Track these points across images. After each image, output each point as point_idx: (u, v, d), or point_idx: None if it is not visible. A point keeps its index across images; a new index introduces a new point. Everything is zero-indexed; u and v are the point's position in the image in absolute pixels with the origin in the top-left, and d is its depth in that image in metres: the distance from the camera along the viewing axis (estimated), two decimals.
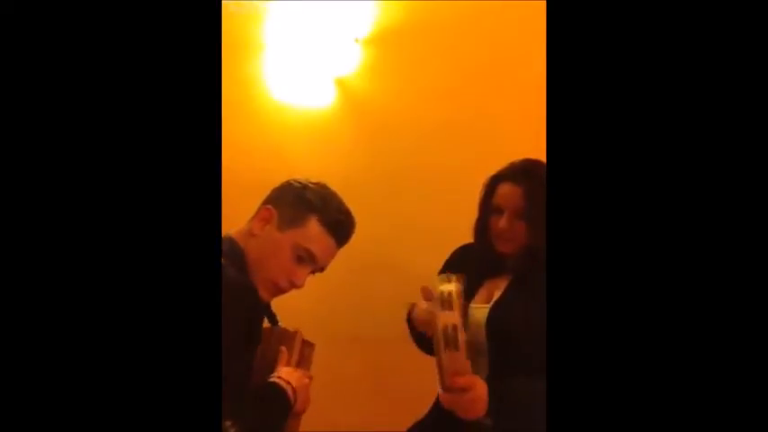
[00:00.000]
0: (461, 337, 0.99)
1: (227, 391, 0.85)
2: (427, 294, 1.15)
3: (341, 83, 1.88)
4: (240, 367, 1.02)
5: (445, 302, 1.00)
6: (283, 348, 1.13)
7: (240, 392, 0.99)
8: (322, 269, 1.19)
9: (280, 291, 1.14)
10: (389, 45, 1.85)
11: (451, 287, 1.02)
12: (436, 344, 1.00)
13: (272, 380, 1.08)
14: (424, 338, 1.24)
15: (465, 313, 1.05)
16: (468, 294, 1.23)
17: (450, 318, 0.99)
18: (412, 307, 1.27)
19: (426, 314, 1.15)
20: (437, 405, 1.26)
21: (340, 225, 1.16)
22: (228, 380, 0.86)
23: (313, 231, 1.13)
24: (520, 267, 1.20)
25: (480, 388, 1.01)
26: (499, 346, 1.15)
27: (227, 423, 0.92)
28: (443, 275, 1.06)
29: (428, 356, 1.33)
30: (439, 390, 1.01)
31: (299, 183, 1.17)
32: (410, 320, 1.29)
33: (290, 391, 1.07)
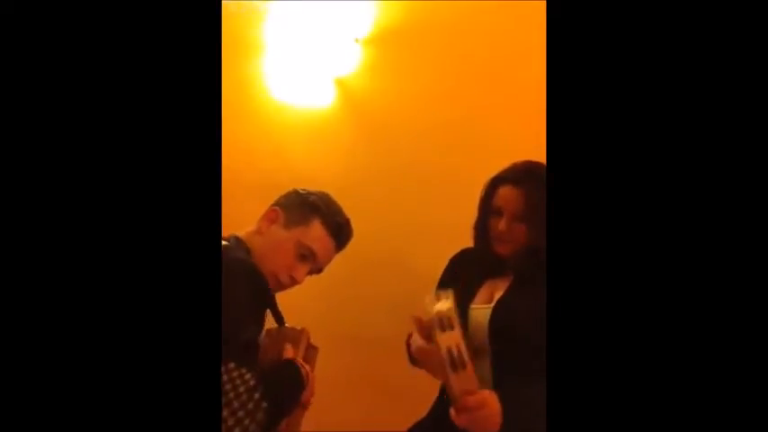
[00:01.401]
0: (467, 354, 0.96)
1: (236, 347, 0.96)
2: (419, 324, 1.14)
3: (341, 83, 1.88)
4: (252, 326, 1.06)
5: (444, 322, 0.97)
6: (289, 345, 1.16)
7: (252, 350, 1.05)
8: (320, 270, 1.26)
9: (280, 286, 1.20)
10: (389, 45, 1.85)
11: (446, 305, 0.98)
12: (442, 367, 0.97)
13: (288, 357, 1.12)
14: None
15: (464, 327, 1.02)
16: (469, 296, 1.23)
17: (452, 338, 0.96)
18: (409, 338, 1.25)
19: (424, 351, 1.13)
20: (437, 405, 1.26)
21: (340, 229, 1.24)
22: (240, 337, 0.98)
23: (316, 232, 1.21)
24: (521, 267, 1.20)
25: (493, 403, 0.99)
26: (503, 346, 1.15)
27: (231, 365, 0.96)
28: (434, 296, 1.02)
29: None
30: (451, 411, 1.00)
31: (304, 190, 1.26)
32: (410, 354, 1.27)
33: (304, 373, 1.10)
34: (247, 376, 0.97)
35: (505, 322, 1.15)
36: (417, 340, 1.15)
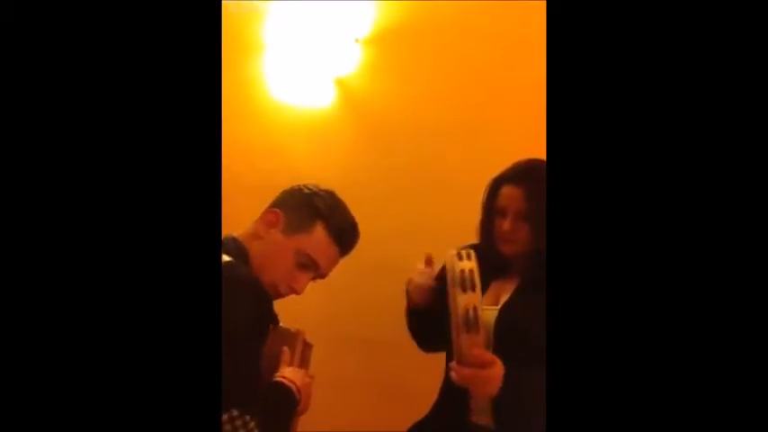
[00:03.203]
0: (482, 318, 0.96)
1: (238, 389, 0.91)
2: (428, 261, 1.19)
3: (341, 83, 1.88)
4: (253, 364, 1.02)
5: (466, 282, 0.94)
6: (286, 348, 1.12)
7: (253, 390, 1.00)
8: (323, 276, 1.19)
9: (278, 295, 1.14)
10: (389, 45, 1.85)
11: (471, 264, 0.96)
12: (455, 326, 0.97)
13: (277, 379, 1.08)
14: (419, 326, 1.28)
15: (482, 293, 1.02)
16: None
17: (472, 299, 0.94)
18: (409, 282, 1.27)
19: (423, 289, 1.19)
20: (438, 405, 1.26)
21: (345, 234, 1.16)
22: (240, 377, 0.93)
23: (318, 239, 1.13)
24: (527, 270, 1.20)
25: (499, 367, 1.00)
26: (508, 349, 1.14)
27: (235, 413, 0.94)
28: (460, 252, 1.00)
29: (427, 355, 1.33)
30: (454, 366, 0.99)
31: (309, 189, 1.18)
32: (407, 293, 1.29)
33: (295, 390, 1.07)
34: (251, 425, 0.95)
35: (511, 326, 1.15)
36: (421, 278, 1.20)
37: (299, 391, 1.08)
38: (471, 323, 0.94)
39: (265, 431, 0.98)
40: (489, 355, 0.98)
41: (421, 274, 1.23)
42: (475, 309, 0.94)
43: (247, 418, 0.94)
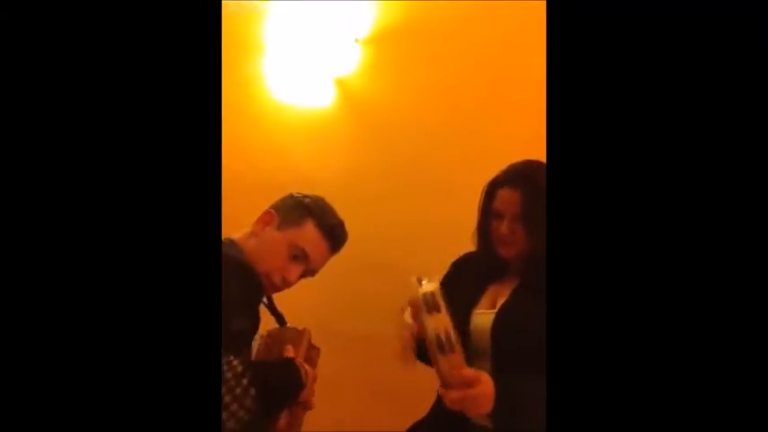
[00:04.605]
0: (455, 337, 0.96)
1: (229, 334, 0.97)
2: (413, 304, 1.16)
3: (341, 83, 1.88)
4: (245, 316, 1.08)
5: (430, 304, 0.96)
6: (289, 347, 1.16)
7: (245, 337, 1.07)
8: (314, 272, 1.26)
9: (272, 287, 1.20)
10: (389, 45, 1.85)
11: (432, 287, 0.98)
12: (431, 350, 0.97)
13: (287, 357, 1.12)
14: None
15: (452, 312, 1.01)
16: (473, 300, 1.23)
17: (440, 320, 0.96)
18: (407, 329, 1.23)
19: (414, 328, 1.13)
20: (437, 405, 1.26)
21: (334, 231, 1.25)
22: (232, 325, 1.01)
23: (309, 233, 1.22)
24: (526, 272, 1.20)
25: (486, 383, 1.00)
26: (506, 352, 1.14)
27: (230, 358, 0.97)
28: (420, 278, 1.02)
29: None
30: (441, 391, 0.99)
31: (299, 193, 1.28)
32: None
33: (303, 372, 1.10)
34: (234, 362, 0.97)
35: (507, 327, 1.15)
36: (407, 317, 1.15)
37: (306, 374, 1.11)
38: (444, 345, 0.95)
39: (262, 394, 1.00)
40: (472, 373, 0.97)
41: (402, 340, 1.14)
42: (445, 330, 0.95)
43: (231, 357, 0.97)
